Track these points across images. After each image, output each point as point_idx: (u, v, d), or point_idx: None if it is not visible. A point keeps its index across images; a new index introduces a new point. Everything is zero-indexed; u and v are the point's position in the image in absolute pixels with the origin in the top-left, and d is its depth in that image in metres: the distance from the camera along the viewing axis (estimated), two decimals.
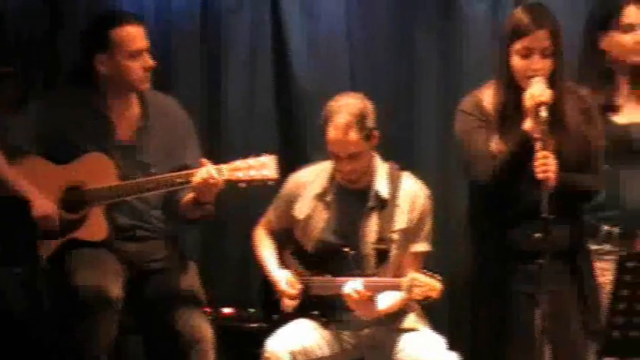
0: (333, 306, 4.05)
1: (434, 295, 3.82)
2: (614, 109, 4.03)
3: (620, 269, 2.99)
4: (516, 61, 3.56)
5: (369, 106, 4.05)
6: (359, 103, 4.02)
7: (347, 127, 3.96)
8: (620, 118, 4.03)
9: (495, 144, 3.56)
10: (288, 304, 4.08)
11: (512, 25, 3.59)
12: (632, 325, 2.98)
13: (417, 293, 3.82)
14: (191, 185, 3.81)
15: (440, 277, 3.83)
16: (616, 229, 3.98)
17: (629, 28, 4.00)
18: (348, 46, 4.86)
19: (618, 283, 3.00)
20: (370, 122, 4.01)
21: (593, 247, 3.97)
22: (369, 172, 4.08)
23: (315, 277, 4.08)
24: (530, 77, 3.51)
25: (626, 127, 4.01)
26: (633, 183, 4.00)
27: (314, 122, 4.48)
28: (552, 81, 3.52)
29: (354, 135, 3.97)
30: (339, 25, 4.86)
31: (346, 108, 3.99)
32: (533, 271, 3.37)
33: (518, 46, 3.55)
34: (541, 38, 3.53)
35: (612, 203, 3.99)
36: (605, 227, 3.99)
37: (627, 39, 4.00)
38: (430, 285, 3.82)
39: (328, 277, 4.06)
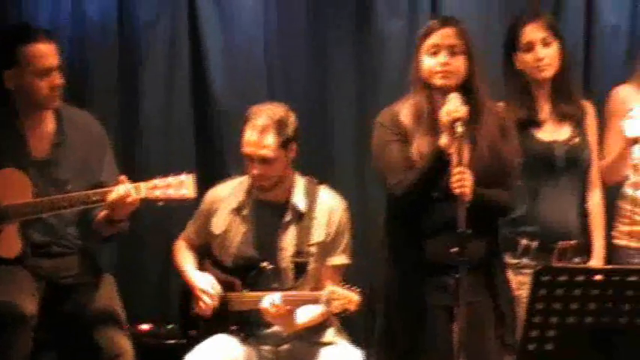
0: (253, 321, 4.04)
1: (352, 307, 3.83)
2: (537, 124, 4.10)
3: (535, 283, 3.01)
4: (425, 60, 3.61)
5: (291, 116, 4.04)
6: (282, 110, 4.02)
7: (264, 129, 3.95)
8: (544, 135, 4.11)
9: (415, 147, 3.58)
10: (207, 304, 4.03)
11: (422, 31, 3.66)
12: (546, 338, 3.01)
13: (336, 306, 3.83)
14: (107, 203, 3.76)
15: (358, 290, 3.85)
16: (534, 243, 4.06)
17: (529, 46, 4.09)
18: (265, 60, 4.86)
19: (533, 296, 3.02)
20: (290, 131, 4.01)
21: (512, 260, 4.04)
22: (286, 186, 4.07)
23: (233, 293, 4.06)
24: (438, 73, 3.56)
25: (549, 144, 4.09)
26: (553, 199, 4.08)
27: (232, 136, 4.49)
28: (469, 84, 3.58)
29: (270, 138, 3.96)
30: (256, 40, 4.85)
31: (267, 112, 3.99)
32: (449, 285, 3.41)
33: (426, 44, 3.60)
34: (447, 35, 3.59)
35: (532, 218, 4.06)
36: (524, 241, 4.06)
37: (529, 57, 4.08)
38: (348, 298, 3.83)
39: (246, 292, 4.04)
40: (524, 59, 4.10)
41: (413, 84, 3.68)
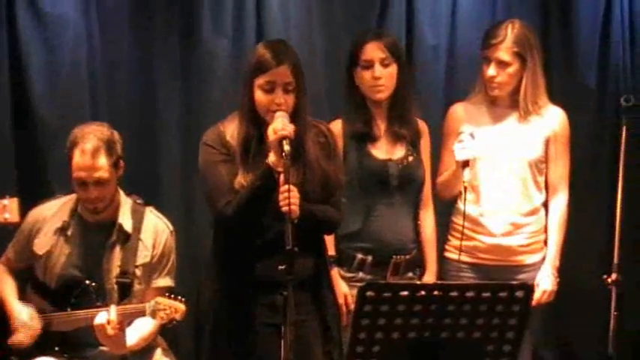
0: (78, 342, 3.96)
1: (178, 316, 3.83)
2: (372, 138, 4.17)
3: (360, 299, 3.05)
4: (259, 96, 3.62)
5: (115, 134, 4.01)
6: (106, 130, 3.97)
7: (95, 151, 3.89)
8: (378, 153, 4.18)
9: (240, 178, 3.60)
10: (22, 338, 3.93)
11: (254, 60, 3.66)
12: (372, 354, 3.05)
13: (162, 317, 3.82)
14: None
15: (183, 299, 3.84)
16: (369, 258, 4.14)
17: (369, 64, 4.17)
18: (88, 78, 4.73)
19: (358, 312, 3.07)
20: (118, 150, 3.97)
21: (347, 274, 4.11)
22: (112, 205, 4.02)
23: (57, 313, 3.97)
24: (273, 112, 3.58)
25: (383, 163, 4.17)
26: (388, 216, 4.16)
27: (54, 154, 4.39)
28: (296, 116, 3.60)
29: (102, 160, 3.90)
30: (79, 57, 4.73)
31: (94, 134, 3.93)
32: (277, 303, 3.43)
33: (260, 80, 3.61)
34: (283, 73, 3.61)
35: (367, 235, 4.14)
36: (359, 255, 4.14)
37: (367, 75, 4.16)
38: (174, 307, 3.82)
39: (70, 312, 3.95)
40: (363, 76, 4.17)
41: (242, 113, 3.68)
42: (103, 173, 3.91)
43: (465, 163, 4.14)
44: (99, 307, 3.88)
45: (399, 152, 4.22)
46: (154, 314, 3.82)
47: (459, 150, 4.15)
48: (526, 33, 4.35)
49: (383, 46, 4.17)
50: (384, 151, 4.21)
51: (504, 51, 4.30)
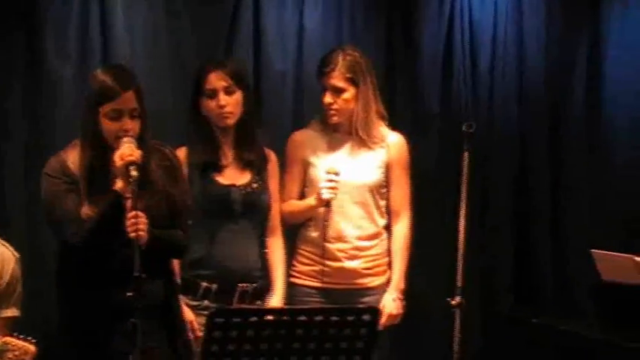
0: None
1: (28, 358, 3.72)
2: (218, 168, 4.17)
3: (210, 325, 3.06)
4: (106, 124, 3.58)
5: None
6: None
7: None
8: (223, 179, 4.19)
9: (85, 208, 3.55)
10: None
11: (97, 87, 3.61)
12: None
13: (10, 358, 3.71)
14: None
15: (34, 340, 3.74)
16: (214, 286, 4.12)
17: (213, 93, 4.18)
18: None
19: (207, 339, 3.07)
20: None
21: (193, 302, 4.08)
22: None
23: None
24: (120, 138, 3.55)
25: (226, 188, 4.17)
26: (231, 243, 4.16)
27: None
28: (141, 140, 3.58)
29: None
30: None
31: None
32: (127, 330, 3.38)
33: (106, 109, 3.57)
34: (128, 100, 3.58)
35: (210, 262, 4.13)
36: (204, 284, 4.12)
37: (212, 104, 4.17)
38: (24, 348, 3.71)
39: None
40: (208, 105, 4.19)
41: (84, 141, 3.63)
42: None
43: (327, 203, 4.27)
44: None
45: (243, 179, 4.24)
46: (1, 355, 3.71)
47: (327, 191, 4.26)
48: (358, 59, 4.44)
49: (225, 74, 4.20)
50: (228, 177, 4.22)
51: (337, 78, 4.39)
